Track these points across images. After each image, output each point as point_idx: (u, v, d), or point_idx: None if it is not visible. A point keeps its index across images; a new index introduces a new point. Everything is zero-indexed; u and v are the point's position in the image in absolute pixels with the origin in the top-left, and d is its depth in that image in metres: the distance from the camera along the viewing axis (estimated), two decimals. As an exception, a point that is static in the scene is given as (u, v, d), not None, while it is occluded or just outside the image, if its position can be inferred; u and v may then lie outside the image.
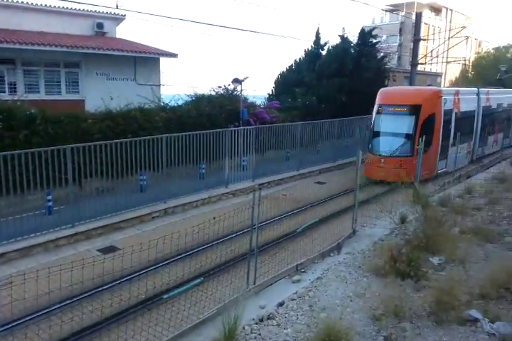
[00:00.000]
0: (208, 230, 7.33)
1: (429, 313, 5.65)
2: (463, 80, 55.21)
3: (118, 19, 17.99)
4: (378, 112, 15.80)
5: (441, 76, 43.50)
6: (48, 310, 6.43)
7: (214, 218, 7.32)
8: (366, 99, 23.07)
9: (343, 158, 18.25)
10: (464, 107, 17.16)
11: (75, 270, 5.26)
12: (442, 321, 5.48)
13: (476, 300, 5.96)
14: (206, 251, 8.68)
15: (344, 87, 22.27)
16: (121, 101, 13.68)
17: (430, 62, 29.92)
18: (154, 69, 16.87)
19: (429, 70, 41.23)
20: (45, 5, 15.74)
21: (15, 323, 6.11)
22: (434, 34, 47.00)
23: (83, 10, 16.51)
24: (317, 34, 25.28)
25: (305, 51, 25.68)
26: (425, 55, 28.14)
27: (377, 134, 15.69)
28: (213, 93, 18.06)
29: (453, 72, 58.28)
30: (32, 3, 15.55)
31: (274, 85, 26.15)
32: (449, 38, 28.24)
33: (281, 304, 6.22)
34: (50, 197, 9.96)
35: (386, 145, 15.01)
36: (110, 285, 7.21)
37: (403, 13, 46.41)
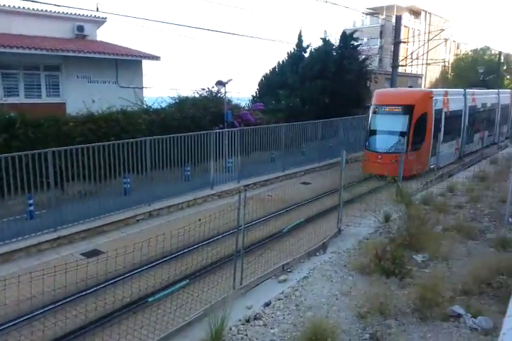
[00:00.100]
0: (193, 232, 7.29)
1: (414, 310, 5.73)
2: (443, 81, 56.37)
3: (99, 22, 17.80)
4: (374, 112, 16.82)
5: (421, 77, 44.28)
6: (30, 315, 6.29)
7: (200, 220, 7.29)
8: (349, 101, 23.41)
9: (327, 159, 18.40)
10: (452, 107, 18.23)
11: (58, 274, 5.18)
12: (426, 317, 5.57)
13: (459, 296, 6.07)
14: (192, 253, 8.63)
15: (327, 89, 22.47)
16: (103, 104, 13.53)
17: (411, 64, 30.40)
18: (137, 71, 16.73)
19: (409, 72, 41.96)
20: (24, 8, 15.49)
21: (-4, 330, 5.96)
22: (413, 36, 47.86)
23: (63, 13, 16.29)
24: (299, 37, 25.47)
25: (288, 54, 25.83)
26: (406, 57, 28.59)
27: (373, 132, 16.63)
28: (197, 95, 18.02)
29: (433, 73, 59.45)
30: (9, 6, 15.28)
31: (258, 87, 26.22)
32: (428, 41, 28.79)
33: (267, 304, 6.23)
34: (31, 202, 9.78)
35: (382, 142, 15.92)
36: (94, 289, 7.10)
37: (383, 17, 47.16)
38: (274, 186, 14.84)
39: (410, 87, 32.15)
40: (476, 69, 38.05)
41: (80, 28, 17.01)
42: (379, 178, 13.37)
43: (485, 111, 22.89)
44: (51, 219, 9.59)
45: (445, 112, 17.69)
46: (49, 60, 14.26)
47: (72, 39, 16.79)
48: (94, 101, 14.07)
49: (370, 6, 52.83)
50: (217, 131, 14.31)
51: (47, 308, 6.48)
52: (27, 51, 13.18)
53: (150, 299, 6.56)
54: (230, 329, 5.52)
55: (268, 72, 26.31)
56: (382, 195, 11.55)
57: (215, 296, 6.70)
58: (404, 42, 28.88)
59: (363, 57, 25.96)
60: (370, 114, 17.11)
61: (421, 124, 15.95)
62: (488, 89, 26.47)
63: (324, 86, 22.37)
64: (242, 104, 20.77)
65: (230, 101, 18.19)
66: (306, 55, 25.03)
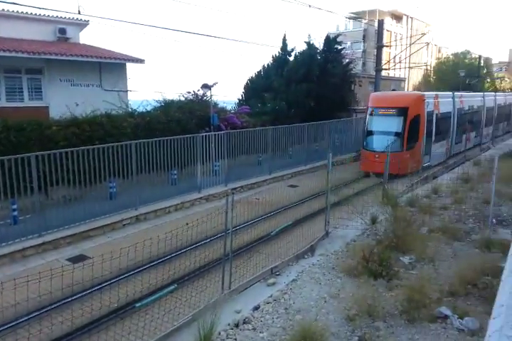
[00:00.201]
0: (181, 236, 7.24)
1: (402, 312, 5.78)
2: (425, 85, 57.35)
3: (81, 24, 17.59)
4: (371, 114, 17.89)
5: (404, 81, 44.96)
6: (14, 322, 6.15)
7: (187, 224, 7.25)
8: (333, 104, 23.62)
9: (314, 162, 18.50)
10: (442, 109, 19.27)
11: (43, 280, 5.07)
12: (414, 319, 5.62)
13: (446, 297, 6.15)
14: (180, 258, 8.56)
15: (312, 92, 22.64)
16: (87, 108, 13.36)
17: (393, 67, 30.92)
18: (121, 74, 16.58)
19: (393, 75, 42.56)
20: (3, 10, 15.21)
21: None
22: (396, 41, 48.63)
23: (44, 15, 16.05)
24: (284, 40, 25.62)
25: (273, 57, 25.95)
26: (388, 61, 29.07)
27: (370, 133, 17.72)
28: (183, 98, 17.96)
29: (415, 76, 60.45)
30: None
31: (243, 90, 26.27)
32: (410, 45, 29.25)
33: (256, 308, 6.21)
34: (15, 207, 9.58)
35: (379, 142, 16.62)
36: (80, 294, 6.98)
37: (366, 21, 47.80)
38: (262, 189, 14.86)
39: (393, 90, 32.67)
40: (457, 73, 38.82)
41: (62, 31, 16.77)
42: (376, 176, 14.03)
43: (472, 113, 23.91)
44: (36, 225, 9.41)
45: (436, 114, 18.60)
46: (31, 63, 14.02)
47: (54, 42, 16.54)
48: (77, 105, 13.87)
49: (353, 11, 53.59)
50: (204, 134, 14.27)
51: (32, 315, 6.35)
52: (7, 54, 12.93)
53: (137, 304, 6.48)
54: (219, 333, 5.49)
55: (253, 75, 26.38)
56: (368, 198, 11.65)
57: (203, 301, 6.65)
58: (387, 46, 29.33)
59: (347, 60, 26.23)
60: (367, 116, 18.04)
61: (414, 125, 16.88)
62: (473, 92, 27.75)
63: (309, 89, 22.54)
64: (229, 107, 20.80)
65: (216, 104, 18.18)
66: (291, 58, 25.17)
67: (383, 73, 28.25)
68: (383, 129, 17.35)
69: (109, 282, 7.38)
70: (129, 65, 16.79)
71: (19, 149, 10.43)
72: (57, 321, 6.11)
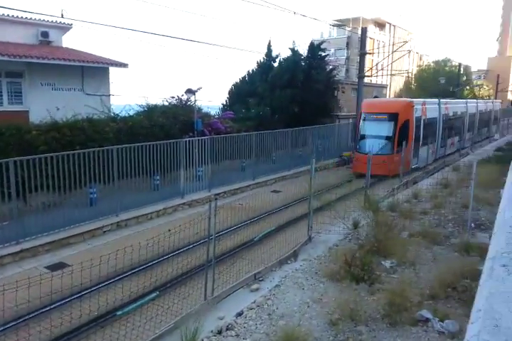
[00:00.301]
0: (163, 242, 7.17)
1: (384, 315, 5.83)
2: (406, 91, 58.38)
3: (64, 28, 17.40)
4: (364, 119, 19.16)
5: (386, 87, 45.68)
6: (-11, 334, 5.98)
7: (169, 230, 7.17)
8: (317, 110, 23.83)
9: (297, 167, 18.60)
10: (429, 115, 20.54)
11: (21, 289, 4.95)
12: (396, 323, 5.68)
13: (427, 300, 6.23)
14: (162, 264, 8.46)
15: (296, 98, 22.81)
16: (68, 112, 13.17)
17: (376, 74, 31.37)
18: (103, 79, 16.42)
19: (375, 82, 43.20)
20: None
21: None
22: (378, 48, 49.44)
23: (26, 18, 15.82)
24: (269, 46, 25.79)
25: (257, 63, 26.08)
26: (371, 68, 29.46)
27: (363, 137, 18.96)
28: (166, 103, 17.87)
29: (397, 83, 61.50)
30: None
31: (228, 96, 26.30)
32: (392, 52, 29.82)
33: (239, 314, 6.18)
34: (-9, 214, 9.35)
35: (371, 145, 17.71)
36: (59, 303, 6.83)
37: (349, 28, 48.52)
38: (245, 194, 14.85)
39: (376, 96, 33.22)
40: (437, 80, 39.68)
41: (45, 34, 16.57)
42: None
43: (455, 118, 25.22)
44: (13, 232, 9.19)
45: (423, 119, 19.80)
46: (11, 66, 13.78)
47: (36, 45, 16.31)
48: (58, 109, 13.67)
49: (337, 18, 54.29)
50: (187, 139, 14.21)
51: (8, 325, 6.17)
52: (-14, 57, 12.71)
53: (118, 312, 6.37)
54: (202, 341, 5.44)
55: (238, 80, 26.46)
56: (351, 202, 11.76)
57: (186, 308, 6.58)
58: (370, 53, 29.83)
59: (331, 67, 26.54)
60: (360, 121, 19.27)
61: (404, 130, 18.07)
62: (455, 99, 29.13)
63: (293, 95, 22.71)
64: (213, 113, 20.76)
65: (200, 109, 18.14)
66: (276, 64, 25.34)
67: (366, 80, 28.63)
68: (375, 133, 18.52)
69: (89, 290, 7.25)
70: (112, 69, 16.66)
71: (-3, 154, 10.21)
72: (35, 331, 5.96)
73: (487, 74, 75.48)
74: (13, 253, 8.86)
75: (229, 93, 26.31)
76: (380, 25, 59.87)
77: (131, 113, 16.06)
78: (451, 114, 24.14)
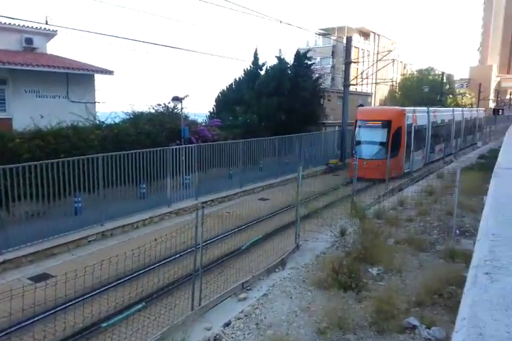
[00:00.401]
0: (149, 252, 7.09)
1: (371, 323, 5.84)
2: (391, 100, 59.27)
3: (49, 35, 17.27)
4: (359, 126, 20.24)
5: (371, 96, 46.34)
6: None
7: (155, 240, 7.10)
8: (304, 117, 24.02)
9: (284, 174, 18.65)
10: (419, 122, 21.71)
11: (2, 301, 4.84)
12: (383, 330, 5.69)
13: (414, 307, 6.27)
14: (148, 275, 8.34)
15: (283, 106, 22.96)
16: (53, 120, 13.01)
17: (361, 83, 31.81)
18: (89, 86, 16.31)
19: (360, 90, 43.78)
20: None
21: None
22: (363, 57, 50.25)
23: (10, 24, 15.66)
24: (255, 55, 25.97)
25: (244, 71, 26.23)
26: (356, 77, 29.87)
27: (359, 143, 20.07)
28: (153, 111, 17.79)
29: (382, 92, 62.42)
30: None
31: (215, 103, 26.34)
32: (377, 61, 30.29)
33: (227, 324, 6.12)
34: (-28, 224, 9.13)
35: (367, 150, 19.17)
36: (43, 315, 6.67)
37: (335, 37, 49.22)
38: (233, 202, 14.80)
39: (361, 105, 33.63)
40: (421, 89, 40.41)
41: (29, 41, 16.41)
42: (365, 181, 16.00)
43: (443, 126, 26.46)
44: (-5, 242, 8.98)
45: (414, 126, 20.93)
46: (-6, 73, 13.61)
47: (19, 52, 16.14)
48: (42, 117, 13.49)
49: (322, 27, 55.04)
50: (174, 147, 14.14)
51: (-12, 339, 6.01)
52: (-31, 64, 12.53)
53: (104, 324, 6.26)
54: (189, 352, 5.36)
55: (225, 88, 26.54)
56: (338, 210, 11.82)
57: (173, 318, 6.49)
58: (355, 62, 30.26)
59: (317, 75, 26.84)
60: (356, 128, 20.37)
61: (397, 136, 19.24)
62: (443, 107, 31.18)
63: (280, 103, 22.86)
64: (200, 120, 20.74)
65: (187, 117, 18.12)
66: (262, 72, 25.52)
67: (351, 88, 29.03)
68: (370, 139, 19.66)
69: (73, 301, 7.10)
70: (97, 77, 16.56)
71: (-21, 163, 10.00)
72: (16, 344, 5.81)
73: (469, 82, 77.23)
74: (-5, 265, 8.66)
75: (216, 101, 26.36)
76: (365, 34, 60.87)
77: (117, 120, 15.94)
78: (439, 121, 25.37)
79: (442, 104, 41.15)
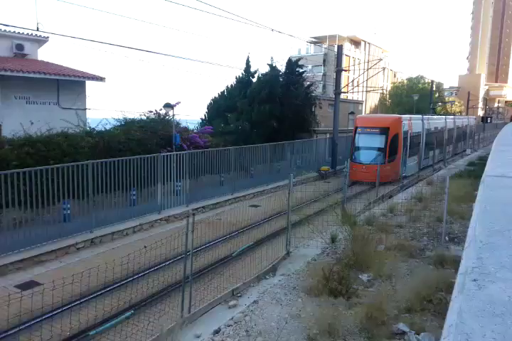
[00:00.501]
0: (138, 259, 7.03)
1: (361, 329, 5.83)
2: (381, 108, 59.86)
3: (40, 41, 17.24)
4: (358, 132, 21.20)
5: (362, 103, 46.79)
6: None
7: (145, 247, 7.05)
8: (296, 124, 24.16)
9: (276, 181, 18.67)
10: (414, 129, 22.89)
11: (-13, 310, 4.74)
12: (373, 336, 5.67)
13: (403, 313, 6.27)
14: (137, 282, 8.26)
15: (275, 113, 23.08)
16: (43, 126, 12.93)
17: (352, 91, 32.14)
18: (80, 92, 16.26)
19: (351, 98, 44.17)
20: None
21: None
22: (354, 65, 50.77)
23: (0, 30, 15.60)
24: (247, 62, 26.14)
25: (236, 78, 26.36)
26: (347, 85, 30.19)
27: (358, 148, 21.07)
28: (144, 118, 17.76)
29: (372, 99, 63.03)
30: None
31: (207, 110, 26.38)
32: (367, 69, 30.64)
33: (217, 331, 6.07)
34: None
35: (366, 156, 20.19)
36: (29, 324, 6.55)
37: (326, 45, 49.73)
38: (224, 209, 14.77)
39: (352, 112, 33.97)
40: (411, 97, 40.94)
41: (20, 47, 16.37)
42: (364, 184, 17.03)
43: (437, 132, 27.68)
44: (-19, 250, 8.84)
45: (410, 133, 22.03)
46: (-17, 79, 13.51)
47: (10, 58, 16.07)
48: (32, 123, 13.41)
49: (313, 35, 55.51)
50: (165, 154, 14.11)
51: (-28, 349, 5.88)
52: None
53: (92, 332, 6.17)
54: (178, 360, 5.30)
55: (217, 95, 26.62)
56: (328, 217, 11.83)
57: (162, 326, 6.42)
58: (346, 70, 30.59)
59: (308, 83, 27.05)
60: (355, 134, 21.33)
61: (394, 142, 20.29)
62: (435, 115, 32.65)
63: (272, 110, 22.98)
64: (192, 127, 20.76)
65: (178, 123, 18.10)
66: (254, 80, 25.67)
67: (342, 96, 29.29)
68: (369, 145, 20.70)
69: (61, 309, 6.99)
70: (88, 83, 16.53)
71: (-34, 169, 9.88)
72: (1, 354, 5.70)
73: (458, 91, 78.38)
74: (-19, 272, 8.51)
75: (208, 108, 26.42)
76: (356, 42, 61.57)
77: (108, 127, 15.88)
78: (432, 128, 26.53)
79: (434, 112, 42.03)
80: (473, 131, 41.69)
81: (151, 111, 18.17)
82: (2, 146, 11.38)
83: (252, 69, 26.08)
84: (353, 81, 32.62)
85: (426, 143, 24.99)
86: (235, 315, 6.52)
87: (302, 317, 6.31)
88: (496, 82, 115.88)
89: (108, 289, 7.86)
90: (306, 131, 25.90)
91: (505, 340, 1.32)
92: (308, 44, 54.20)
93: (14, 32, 16.01)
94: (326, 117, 28.98)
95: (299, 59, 27.39)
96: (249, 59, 26.20)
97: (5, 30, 15.73)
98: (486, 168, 6.24)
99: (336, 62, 25.79)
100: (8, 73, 13.57)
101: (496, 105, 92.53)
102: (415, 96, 37.94)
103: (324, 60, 55.33)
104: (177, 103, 16.67)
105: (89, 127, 15.30)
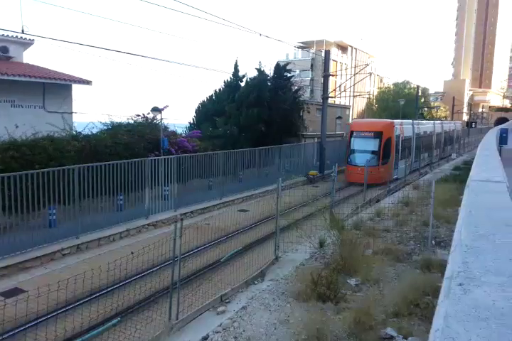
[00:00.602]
0: (125, 265, 6.94)
1: (350, 334, 5.84)
2: (368, 112, 60.47)
3: (25, 44, 17.02)
4: (353, 136, 22.38)
5: (349, 108, 47.23)
6: None
7: (132, 253, 6.97)
8: (284, 129, 24.25)
9: (264, 186, 18.68)
10: (405, 133, 24.09)
11: (-31, 319, 4.63)
12: (362, 341, 5.69)
13: (391, 318, 6.30)
14: (124, 288, 8.16)
15: (263, 117, 23.14)
16: (28, 130, 12.75)
17: (339, 95, 32.44)
18: (66, 96, 16.08)
19: (338, 103, 44.55)
20: None
21: None
22: (341, 70, 51.23)
23: (-17, 32, 15.39)
24: (235, 66, 26.19)
25: (224, 82, 26.38)
26: (334, 89, 30.44)
27: (353, 151, 22.24)
28: (131, 121, 17.64)
29: (359, 104, 63.67)
30: None
31: (195, 114, 26.33)
32: (354, 74, 31.01)
33: (205, 338, 6.03)
34: None
35: (361, 158, 20.90)
36: (12, 332, 6.41)
37: (313, 50, 50.15)
38: (212, 214, 14.70)
39: (339, 117, 34.27)
40: (397, 102, 41.46)
41: (4, 49, 16.16)
42: (358, 185, 17.56)
43: (425, 137, 28.90)
44: (-37, 257, 8.64)
45: (401, 137, 23.23)
46: (-34, 82, 13.29)
47: (-6, 61, 15.85)
48: (17, 127, 13.22)
49: (301, 40, 55.93)
50: (153, 158, 14.01)
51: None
52: None
53: (77, 340, 6.06)
54: (166, 368, 5.24)
55: (205, 99, 26.60)
56: (316, 221, 11.87)
57: (149, 333, 6.35)
58: (333, 75, 30.89)
59: (296, 88, 27.21)
60: (350, 138, 22.45)
61: (387, 146, 21.39)
62: (424, 120, 34.19)
63: (260, 114, 23.03)
64: (180, 131, 20.67)
65: (166, 127, 18.02)
66: (243, 84, 25.72)
67: (330, 101, 29.55)
68: (363, 148, 21.69)
69: (45, 317, 6.87)
70: (75, 87, 16.36)
71: (-51, 174, 9.67)
72: (-17, 364, 5.56)
73: (443, 96, 79.63)
74: (-37, 280, 8.32)
75: (196, 111, 26.38)
76: (343, 48, 62.19)
77: (95, 131, 15.73)
78: (422, 133, 27.78)
79: (423, 117, 43.08)
80: (460, 135, 43.14)
81: (138, 115, 18.08)
82: None
83: (241, 74, 26.14)
84: (340, 86, 32.88)
85: (416, 146, 26.06)
86: (223, 321, 6.48)
87: (291, 323, 6.30)
88: (480, 87, 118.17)
89: (94, 296, 7.75)
90: (294, 136, 26.01)
91: (490, 344, 1.34)
92: (296, 49, 54.59)
93: (-1, 34, 15.81)
94: (313, 122, 29.16)
95: (287, 63, 27.56)
96: (238, 63, 26.29)
97: (-11, 33, 15.53)
98: (471, 173, 6.34)
99: (323, 67, 25.99)
100: (-7, 76, 13.37)
101: (480, 110, 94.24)
102: (401, 101, 38.44)
103: (312, 65, 55.76)
104: (165, 107, 16.60)
105: (76, 131, 15.13)
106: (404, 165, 23.66)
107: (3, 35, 15.90)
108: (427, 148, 29.24)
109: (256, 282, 8.25)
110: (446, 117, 65.41)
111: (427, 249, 9.40)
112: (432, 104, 70.94)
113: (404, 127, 24.11)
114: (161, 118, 16.66)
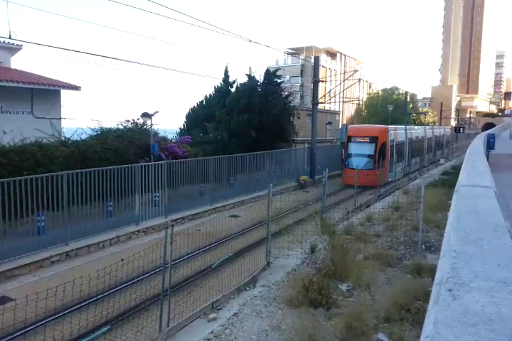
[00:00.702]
0: (115, 273, 6.87)
1: (341, 340, 5.84)
2: (357, 118, 60.96)
3: (13, 49, 16.88)
4: (350, 141, 23.37)
5: (339, 114, 47.56)
6: None
7: (122, 259, 6.91)
8: (274, 134, 24.34)
9: (255, 191, 18.66)
10: (399, 138, 25.31)
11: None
12: (353, 347, 5.69)
13: (382, 323, 6.32)
14: (114, 296, 8.07)
15: (254, 123, 23.21)
16: (16, 136, 12.61)
17: (329, 101, 32.70)
18: (55, 101, 15.95)
19: (328, 108, 44.84)
20: None
21: None
22: (331, 76, 51.67)
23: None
24: (226, 72, 26.30)
25: (215, 88, 26.44)
26: (324, 95, 30.68)
27: (350, 155, 23.17)
28: (121, 127, 17.55)
29: (349, 110, 64.17)
30: None
31: (185, 120, 26.30)
32: (344, 80, 31.24)
33: (196, 346, 5.97)
34: None
35: (357, 162, 22.01)
36: (-1, 343, 6.30)
37: (303, 57, 50.52)
38: (203, 220, 14.64)
39: (329, 122, 34.55)
40: (386, 107, 41.89)
41: (-8, 55, 16.01)
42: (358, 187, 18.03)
43: (418, 141, 30.39)
44: (-51, 265, 8.47)
45: (395, 142, 24.35)
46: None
47: (-19, 66, 15.69)
48: (5, 133, 13.09)
49: (290, 46, 56.33)
50: (143, 164, 13.94)
51: None
52: None
53: (66, 350, 5.97)
54: (156, 377, 5.18)
55: (195, 105, 26.61)
56: (308, 226, 11.89)
57: (139, 341, 6.28)
58: (323, 81, 31.10)
59: (286, 93, 27.37)
60: (347, 143, 23.42)
61: (382, 150, 22.48)
62: (415, 125, 36.71)
63: (251, 119, 23.10)
64: (170, 137, 20.62)
65: (156, 133, 17.96)
66: (233, 89, 25.80)
67: (319, 106, 29.73)
68: (360, 152, 22.71)
69: (34, 326, 6.75)
70: (64, 92, 16.25)
71: None
72: (-31, 375, 5.45)
73: (431, 102, 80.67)
74: (-52, 289, 8.15)
75: (186, 117, 26.36)
76: (332, 54, 62.73)
77: (84, 136, 15.61)
78: (414, 137, 29.14)
79: (415, 122, 44.32)
80: (449, 140, 44.61)
81: (128, 121, 18.00)
82: None
83: (231, 79, 26.25)
84: (329, 92, 33.15)
85: (409, 150, 27.35)
86: (214, 329, 6.44)
87: (282, 329, 6.28)
88: (467, 93, 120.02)
89: (84, 304, 7.64)
90: (285, 141, 26.11)
91: (478, 350, 1.36)
92: (286, 55, 54.95)
93: (-14, 40, 15.65)
94: (304, 127, 29.31)
95: (277, 69, 27.74)
96: (228, 69, 26.42)
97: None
98: (460, 178, 6.42)
99: (313, 73, 26.19)
100: (-20, 82, 13.23)
101: (467, 115, 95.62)
102: (390, 107, 38.83)
103: (301, 71, 56.11)
104: (155, 112, 16.57)
105: (65, 137, 15.01)
106: (399, 168, 24.89)
107: (-10, 40, 15.76)
108: (419, 153, 30.50)
109: (247, 288, 8.22)
110: (434, 122, 66.20)
111: (417, 254, 9.46)
112: (420, 109, 71.82)
113: (398, 132, 25.15)
114: (151, 124, 16.62)
